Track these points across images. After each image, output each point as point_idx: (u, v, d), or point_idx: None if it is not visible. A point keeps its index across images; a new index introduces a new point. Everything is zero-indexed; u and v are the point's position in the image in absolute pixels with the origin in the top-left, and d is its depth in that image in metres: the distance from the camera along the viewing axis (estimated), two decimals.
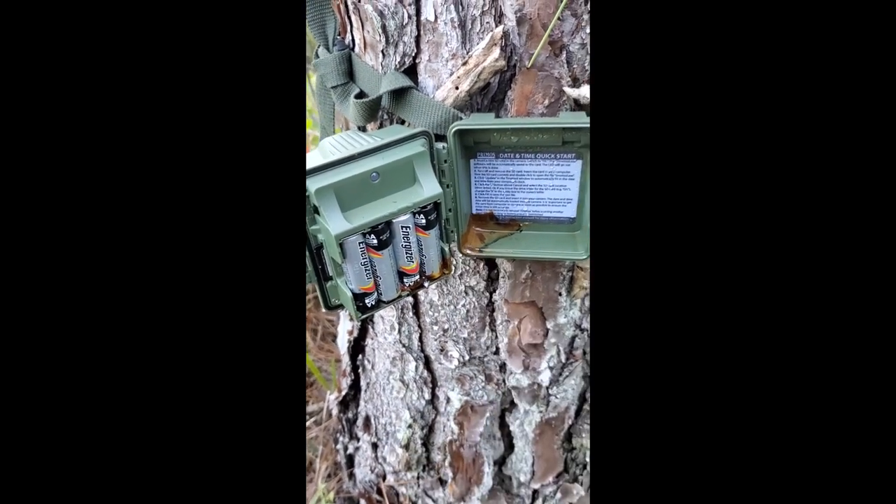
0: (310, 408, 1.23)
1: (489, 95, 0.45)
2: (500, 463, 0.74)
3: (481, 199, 0.49)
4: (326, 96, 0.52)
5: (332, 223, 0.38)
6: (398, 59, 0.46)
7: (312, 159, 0.39)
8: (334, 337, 1.31)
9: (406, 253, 0.42)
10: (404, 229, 0.41)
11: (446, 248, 0.45)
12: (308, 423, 1.18)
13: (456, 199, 0.45)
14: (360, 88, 0.49)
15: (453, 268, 0.47)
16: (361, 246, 0.39)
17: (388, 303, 0.44)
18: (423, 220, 0.41)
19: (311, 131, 1.28)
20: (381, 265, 0.41)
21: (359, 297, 0.42)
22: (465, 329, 0.61)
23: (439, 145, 0.43)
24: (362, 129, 0.51)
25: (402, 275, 0.44)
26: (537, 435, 0.68)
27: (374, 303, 0.43)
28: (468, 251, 0.48)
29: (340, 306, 0.45)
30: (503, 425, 0.70)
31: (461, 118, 0.43)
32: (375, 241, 0.40)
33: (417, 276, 0.44)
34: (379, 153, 0.40)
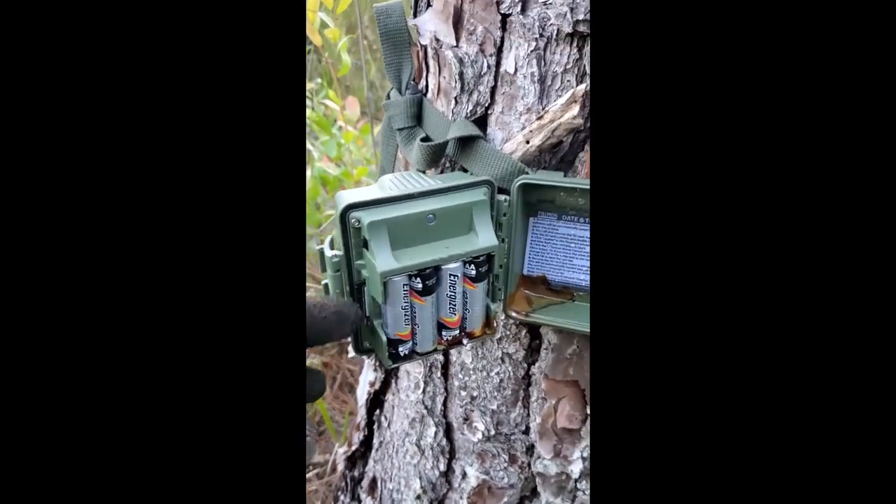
0: (316, 458, 1.18)
1: (559, 155, 0.43)
2: None
3: (535, 260, 0.46)
4: (391, 137, 0.52)
5: (379, 259, 0.35)
6: (470, 108, 0.45)
7: (370, 192, 0.38)
8: (352, 388, 1.27)
9: (450, 304, 0.39)
10: (452, 277, 0.38)
11: (492, 307, 0.42)
12: (310, 475, 1.13)
13: (509, 255, 0.43)
14: (427, 133, 0.48)
15: (496, 329, 0.44)
16: (406, 289, 0.37)
17: (423, 355, 0.40)
18: (474, 272, 0.39)
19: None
20: (421, 312, 0.38)
21: (393, 344, 0.39)
22: (495, 400, 0.56)
23: (501, 197, 0.41)
24: (422, 172, 0.50)
25: (441, 327, 0.40)
26: None
27: (407, 352, 0.40)
28: (513, 313, 0.45)
29: (371, 351, 0.42)
30: None
31: (528, 173, 0.41)
32: (420, 286, 0.37)
33: (457, 331, 0.41)
34: (439, 195, 0.38)
